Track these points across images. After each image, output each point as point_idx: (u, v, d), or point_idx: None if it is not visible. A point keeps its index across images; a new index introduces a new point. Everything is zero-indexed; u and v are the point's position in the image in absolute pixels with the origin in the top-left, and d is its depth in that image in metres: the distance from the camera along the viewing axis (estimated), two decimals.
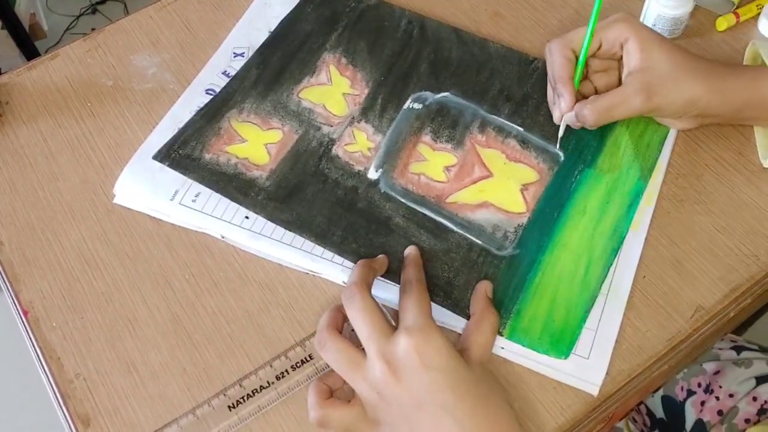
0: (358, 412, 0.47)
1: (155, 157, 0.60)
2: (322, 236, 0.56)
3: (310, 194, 0.58)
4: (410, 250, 0.55)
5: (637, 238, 0.56)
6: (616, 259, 0.55)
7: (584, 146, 0.60)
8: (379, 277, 0.54)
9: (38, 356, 0.54)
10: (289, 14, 0.70)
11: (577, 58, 0.58)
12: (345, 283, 0.55)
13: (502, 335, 0.52)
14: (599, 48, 0.57)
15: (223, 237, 0.57)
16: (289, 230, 0.56)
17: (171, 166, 0.60)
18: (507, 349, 0.52)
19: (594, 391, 0.50)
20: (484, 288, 0.53)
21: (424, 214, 0.57)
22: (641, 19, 0.66)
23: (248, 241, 0.57)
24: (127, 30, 0.70)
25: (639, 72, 0.55)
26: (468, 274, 0.54)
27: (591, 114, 0.56)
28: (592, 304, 0.53)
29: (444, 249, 0.56)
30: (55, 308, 0.55)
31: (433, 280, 0.54)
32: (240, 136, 0.62)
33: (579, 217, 0.57)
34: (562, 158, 0.60)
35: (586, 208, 0.57)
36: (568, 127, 0.59)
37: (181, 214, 0.58)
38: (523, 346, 0.51)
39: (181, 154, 0.61)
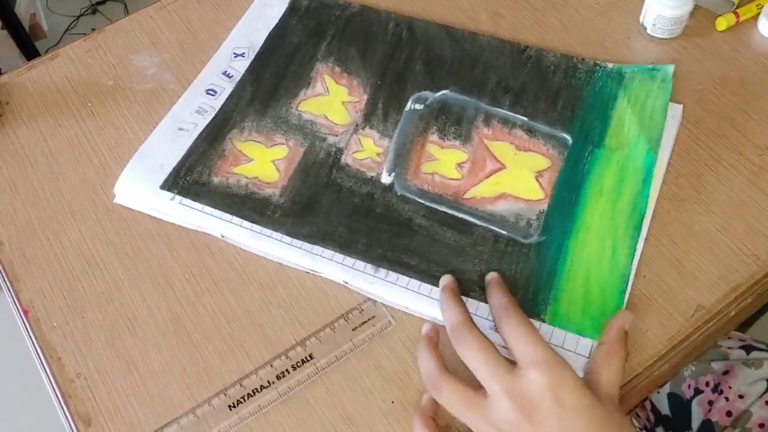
0: (480, 403, 0.44)
1: (163, 187, 0.59)
2: (346, 246, 0.56)
3: (326, 205, 0.58)
4: (492, 275, 0.53)
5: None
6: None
7: (589, 127, 0.60)
8: (413, 289, 0.53)
9: (39, 356, 0.54)
10: (274, 29, 0.69)
11: None
12: (434, 320, 0.52)
13: (544, 321, 0.51)
14: None
15: (223, 236, 0.57)
16: (312, 243, 0.56)
17: (180, 194, 0.59)
18: None
19: None
20: (623, 320, 0.49)
21: (445, 212, 0.57)
22: (641, 20, 0.66)
23: (248, 240, 0.57)
24: (127, 30, 0.70)
25: None
26: (499, 265, 0.54)
27: None
28: (627, 284, 0.53)
29: (471, 243, 0.55)
30: (56, 308, 0.55)
31: (465, 276, 0.54)
32: (245, 155, 0.61)
33: (597, 198, 0.57)
34: (570, 142, 0.60)
35: (602, 188, 0.57)
36: (571, 109, 0.58)
37: (181, 214, 0.58)
38: (569, 331, 0.51)
39: (189, 181, 0.59)
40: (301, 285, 0.56)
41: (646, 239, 0.56)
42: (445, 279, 0.53)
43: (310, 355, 0.52)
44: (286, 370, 0.51)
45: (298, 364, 0.52)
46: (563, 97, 0.62)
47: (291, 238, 0.56)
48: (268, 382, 0.51)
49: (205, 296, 0.55)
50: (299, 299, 0.55)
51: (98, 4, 2.06)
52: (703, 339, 0.54)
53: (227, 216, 0.58)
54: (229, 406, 0.50)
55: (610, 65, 0.64)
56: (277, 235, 0.57)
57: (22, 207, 0.60)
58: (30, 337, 0.55)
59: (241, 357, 0.53)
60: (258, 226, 0.57)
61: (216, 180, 0.59)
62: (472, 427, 0.44)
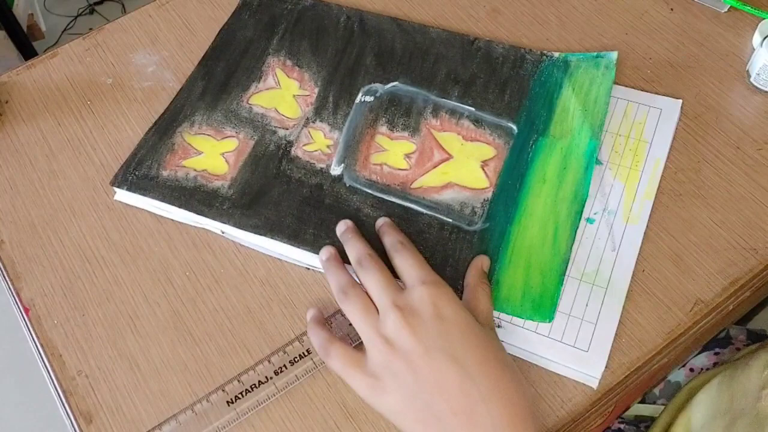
0: (360, 358, 0.48)
1: (113, 183, 0.59)
2: (294, 237, 0.56)
3: (275, 196, 0.58)
4: (382, 220, 0.56)
5: (636, 232, 0.56)
6: (616, 251, 0.55)
7: (535, 116, 0.61)
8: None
9: (40, 354, 0.54)
10: (226, 23, 0.69)
11: None
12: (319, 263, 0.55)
13: None
14: None
15: (223, 233, 0.58)
16: (261, 235, 0.56)
17: (130, 189, 0.58)
18: (507, 342, 0.52)
19: (594, 384, 0.50)
20: (480, 262, 0.54)
21: (392, 202, 0.58)
22: (747, 67, 0.63)
23: (248, 237, 0.57)
24: (126, 28, 0.71)
25: None
26: (443, 252, 0.55)
27: None
28: (566, 267, 0.54)
29: (416, 231, 0.56)
30: (56, 305, 0.55)
31: None
32: (195, 149, 0.61)
33: (540, 186, 0.58)
34: (516, 131, 0.61)
35: (545, 176, 0.58)
36: (518, 99, 0.60)
37: (182, 211, 0.58)
38: (508, 314, 0.53)
39: (138, 176, 0.59)
40: (302, 281, 0.56)
41: (644, 234, 0.56)
42: (330, 249, 0.54)
43: (308, 350, 0.52)
44: (284, 366, 0.52)
45: (296, 359, 0.52)
46: (511, 87, 0.63)
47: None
48: (267, 377, 0.51)
49: (206, 293, 0.55)
50: (299, 295, 0.55)
51: (96, 4, 2.06)
52: (702, 333, 0.55)
53: None
54: (228, 402, 0.50)
55: (556, 54, 0.65)
56: None
57: (22, 205, 0.60)
58: (31, 335, 0.55)
59: (242, 353, 0.53)
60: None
61: (165, 173, 0.59)
62: (365, 338, 0.48)
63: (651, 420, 0.71)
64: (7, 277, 0.57)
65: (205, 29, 0.70)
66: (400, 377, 0.45)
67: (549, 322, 0.52)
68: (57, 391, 0.52)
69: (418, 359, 0.45)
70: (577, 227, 0.56)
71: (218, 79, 0.65)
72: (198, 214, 0.57)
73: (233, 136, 0.62)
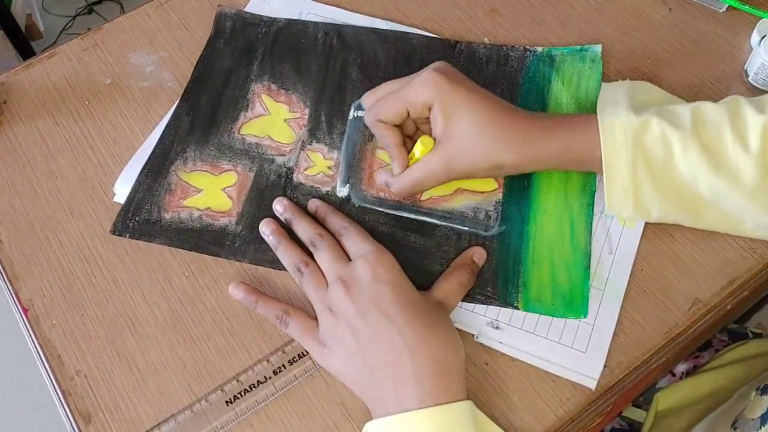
0: (314, 327, 0.51)
1: (113, 232, 0.57)
2: None
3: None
4: (315, 203, 0.57)
5: (634, 232, 0.56)
6: (613, 255, 0.55)
7: None
8: None
9: (39, 354, 0.54)
10: (202, 55, 0.67)
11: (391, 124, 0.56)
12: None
13: (518, 308, 0.53)
14: (408, 116, 0.55)
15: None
16: (278, 269, 0.55)
17: (133, 236, 0.57)
18: (506, 344, 0.52)
19: (591, 384, 0.50)
20: (473, 251, 0.55)
21: (405, 217, 0.57)
22: (745, 67, 0.64)
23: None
24: (125, 28, 0.70)
25: (441, 143, 0.54)
26: None
27: (398, 190, 0.56)
28: (589, 261, 0.54)
29: (435, 244, 0.56)
30: (55, 306, 0.55)
31: (434, 277, 0.54)
32: (193, 186, 0.59)
33: (548, 181, 0.58)
34: None
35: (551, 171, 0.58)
36: (509, 97, 0.58)
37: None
38: (541, 314, 0.53)
39: (138, 221, 0.57)
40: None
41: (642, 233, 0.56)
42: (270, 223, 0.56)
43: (307, 351, 0.52)
44: (283, 365, 0.52)
45: (295, 359, 0.52)
46: (500, 85, 0.63)
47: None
48: (265, 377, 0.51)
49: (205, 293, 0.55)
50: (298, 295, 0.55)
51: (94, 4, 2.06)
52: (700, 332, 0.55)
53: None
54: (227, 402, 0.50)
55: (540, 49, 0.65)
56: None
57: (20, 206, 0.60)
58: (30, 335, 0.55)
59: (241, 353, 0.53)
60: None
61: (167, 216, 0.58)
62: (317, 310, 0.52)
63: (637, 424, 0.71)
64: (5, 278, 0.57)
65: (204, 29, 0.70)
66: (342, 340, 0.49)
67: (584, 317, 0.52)
68: (56, 391, 0.52)
69: (355, 320, 0.48)
70: (592, 219, 0.56)
71: (204, 113, 0.63)
72: (211, 255, 0.56)
73: (231, 170, 0.60)
